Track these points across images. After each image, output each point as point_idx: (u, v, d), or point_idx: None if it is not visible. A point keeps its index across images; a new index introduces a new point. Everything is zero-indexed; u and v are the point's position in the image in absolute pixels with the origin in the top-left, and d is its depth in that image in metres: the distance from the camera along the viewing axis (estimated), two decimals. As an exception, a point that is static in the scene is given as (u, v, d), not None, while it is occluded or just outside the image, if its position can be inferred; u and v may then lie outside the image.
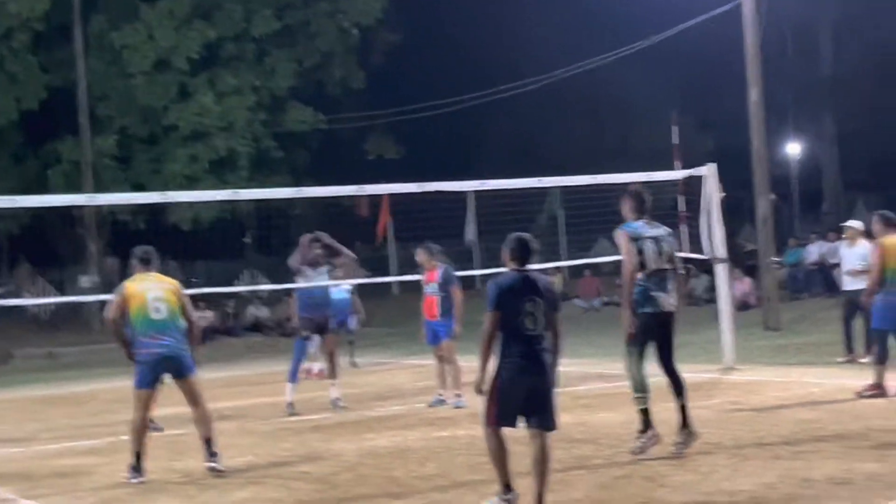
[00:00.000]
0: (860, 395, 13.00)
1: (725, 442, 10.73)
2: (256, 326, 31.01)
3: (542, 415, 8.23)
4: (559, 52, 34.38)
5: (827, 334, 19.69)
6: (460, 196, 31.03)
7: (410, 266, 31.66)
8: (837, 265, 20.31)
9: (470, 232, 35.64)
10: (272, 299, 31.93)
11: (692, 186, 18.77)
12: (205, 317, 16.27)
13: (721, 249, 17.20)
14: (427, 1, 37.63)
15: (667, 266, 10.23)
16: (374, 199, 34.03)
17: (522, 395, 8.18)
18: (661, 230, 10.38)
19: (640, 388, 10.34)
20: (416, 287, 16.95)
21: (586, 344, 22.65)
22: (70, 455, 12.68)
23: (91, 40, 33.45)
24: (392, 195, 30.05)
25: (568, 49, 33.71)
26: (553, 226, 36.82)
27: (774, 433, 11.01)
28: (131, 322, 10.79)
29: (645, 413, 10.31)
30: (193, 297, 14.87)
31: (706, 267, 24.99)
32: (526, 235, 8.54)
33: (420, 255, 15.02)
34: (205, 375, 15.36)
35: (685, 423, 10.39)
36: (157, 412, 13.78)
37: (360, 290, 20.29)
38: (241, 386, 19.73)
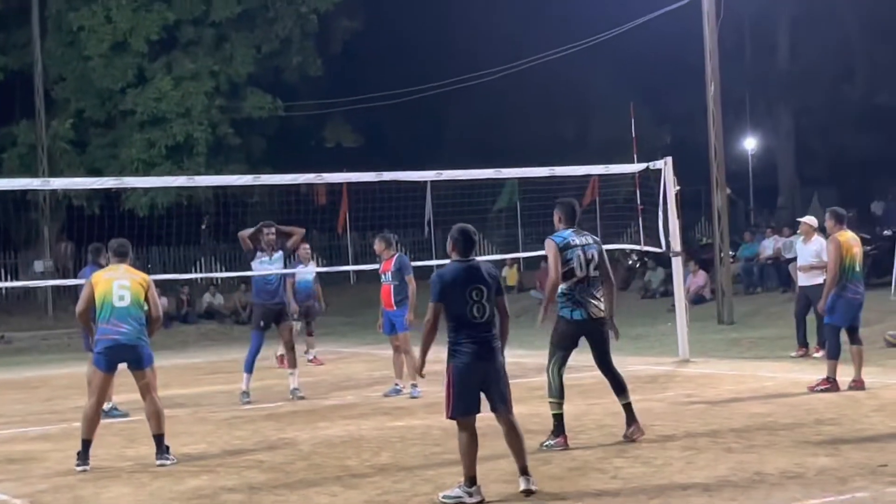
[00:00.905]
0: (812, 390, 13.12)
1: (679, 434, 10.80)
2: (211, 314, 30.87)
3: (501, 394, 8.49)
4: (519, 43, 34.42)
5: (780, 329, 19.85)
6: (418, 185, 30.96)
7: (367, 255, 31.63)
8: (792, 260, 20.44)
9: (426, 221, 35.61)
10: (227, 287, 31.79)
11: (649, 180, 18.83)
12: (160, 304, 16.11)
13: (676, 243, 17.29)
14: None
15: (594, 274, 10.40)
16: (333, 188, 33.90)
17: (478, 381, 8.41)
18: (589, 238, 10.57)
19: (557, 393, 10.54)
20: (372, 277, 16.95)
21: (542, 335, 22.71)
22: (21, 441, 12.58)
23: (48, 22, 33.11)
24: (350, 184, 29.98)
25: (528, 40, 33.75)
26: (511, 217, 36.86)
27: (727, 426, 11.08)
28: (96, 308, 10.70)
29: (558, 418, 10.49)
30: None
31: (662, 260, 25.17)
32: (468, 226, 8.70)
33: (377, 245, 15.00)
34: (159, 362, 15.31)
35: (631, 419, 10.62)
36: (118, 398, 13.75)
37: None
38: (196, 373, 19.64)
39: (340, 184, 30.15)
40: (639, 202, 19.78)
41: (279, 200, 33.85)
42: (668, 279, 23.08)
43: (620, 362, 17.28)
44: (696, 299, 25.60)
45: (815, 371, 14.00)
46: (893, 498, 8.03)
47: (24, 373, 20.99)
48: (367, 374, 17.69)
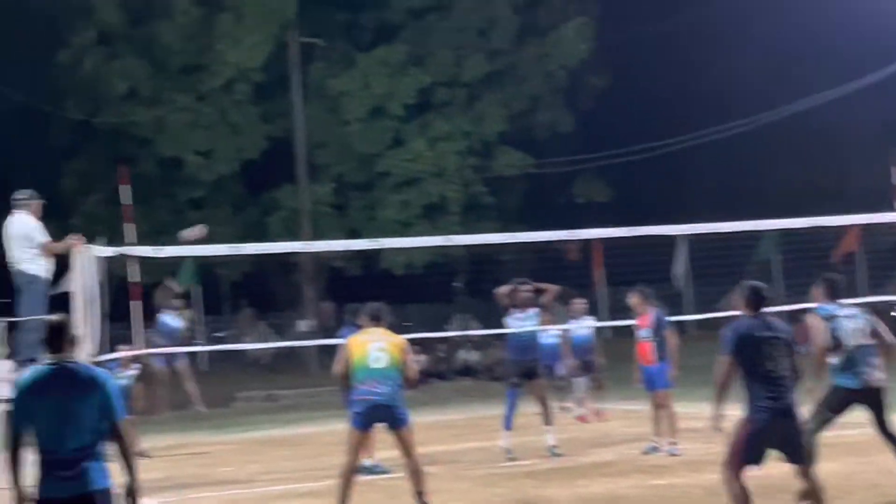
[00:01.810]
0: None
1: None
2: (466, 370, 31.24)
3: (798, 451, 8.55)
4: (772, 90, 33.78)
5: None
6: (669, 240, 30.64)
7: (621, 310, 31.43)
8: None
9: (680, 274, 35.14)
10: (482, 343, 32.12)
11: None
12: (418, 360, 16.50)
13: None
14: (633, 42, 37.42)
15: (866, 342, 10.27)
16: (585, 244, 33.91)
17: (775, 438, 8.45)
18: (854, 310, 10.55)
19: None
20: (626, 331, 16.84)
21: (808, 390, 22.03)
22: (291, 497, 12.99)
23: (308, 89, 34.40)
24: (602, 240, 29.91)
25: (781, 88, 33.11)
26: (767, 270, 36.02)
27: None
28: (352, 370, 11.02)
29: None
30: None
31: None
32: (759, 283, 8.94)
33: (633, 299, 14.92)
34: (416, 419, 15.59)
35: None
36: (381, 454, 14.10)
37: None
38: (453, 430, 19.86)
39: (592, 240, 30.14)
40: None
41: (531, 258, 34.07)
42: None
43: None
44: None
45: None
46: None
47: (290, 430, 21.67)
48: (624, 431, 17.53)
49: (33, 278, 11.95)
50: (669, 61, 37.96)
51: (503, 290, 15.48)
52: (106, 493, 6.70)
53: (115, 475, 6.86)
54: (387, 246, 27.83)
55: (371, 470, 13.49)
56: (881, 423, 10.34)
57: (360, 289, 31.64)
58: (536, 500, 11.56)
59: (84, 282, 11.42)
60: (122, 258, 14.02)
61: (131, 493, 6.89)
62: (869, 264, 31.59)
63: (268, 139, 33.99)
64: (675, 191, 39.80)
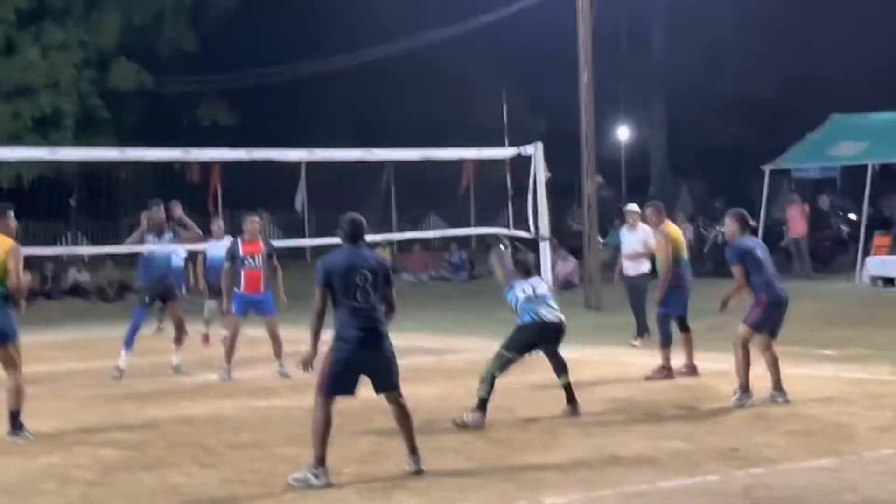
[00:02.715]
0: (648, 378, 13.31)
1: (539, 417, 10.90)
2: (77, 290, 30.24)
3: (387, 378, 8.66)
4: (397, 25, 34.37)
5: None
6: (294, 166, 30.75)
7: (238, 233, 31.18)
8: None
9: (299, 202, 35.42)
10: (94, 263, 31.18)
11: (521, 165, 18.97)
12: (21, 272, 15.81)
13: (545, 228, 17.43)
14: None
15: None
16: (206, 166, 33.45)
17: (361, 365, 8.55)
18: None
19: (487, 387, 10.89)
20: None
21: (411, 318, 22.70)
22: None
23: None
24: (223, 163, 29.61)
25: (406, 22, 33.73)
26: (385, 200, 36.86)
27: (587, 409, 11.20)
28: None
29: (483, 403, 10.76)
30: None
31: (532, 245, 25.38)
32: (357, 216, 8.95)
33: (252, 225, 14.87)
34: (21, 339, 14.97)
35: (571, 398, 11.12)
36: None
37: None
38: (57, 350, 19.23)
39: (213, 162, 29.76)
40: (510, 188, 19.88)
41: (150, 177, 33.28)
42: (538, 265, 23.25)
43: (489, 345, 17.47)
44: (565, 285, 25.88)
45: (678, 358, 14.20)
46: (742, 481, 8.21)
47: None
48: (239, 356, 17.42)
49: None
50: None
51: (144, 213, 15.24)
52: None
53: None
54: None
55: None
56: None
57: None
58: (135, 422, 11.35)
59: None
60: None
61: None
62: (480, 199, 32.84)
63: None
64: (301, 118, 39.87)
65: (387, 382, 8.67)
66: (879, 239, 26.08)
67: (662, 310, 13.70)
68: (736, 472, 8.48)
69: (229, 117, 39.03)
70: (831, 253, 29.66)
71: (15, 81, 31.76)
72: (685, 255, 13.81)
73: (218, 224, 18.50)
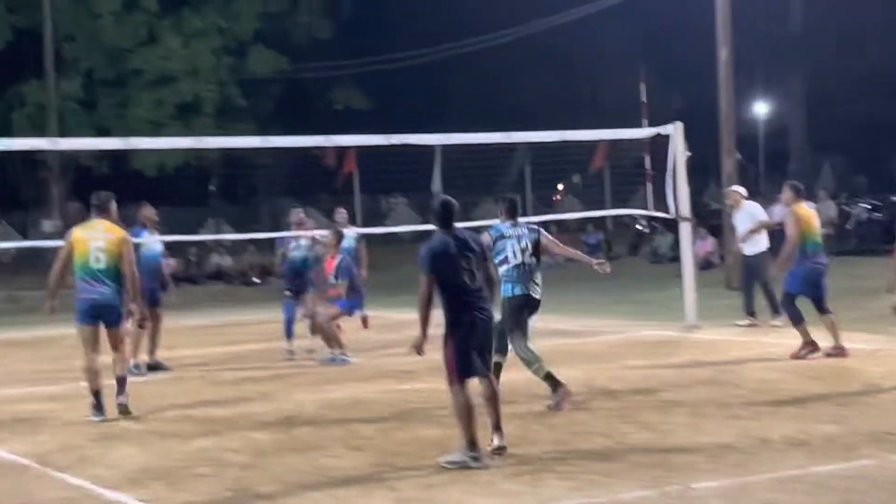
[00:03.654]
0: (797, 357, 13.10)
1: (685, 401, 10.79)
2: (219, 275, 30.89)
3: (486, 359, 8.75)
4: (531, 5, 34.21)
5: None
6: (428, 149, 30.90)
7: (376, 218, 31.54)
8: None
9: (436, 184, 35.54)
10: (236, 248, 31.79)
11: (658, 144, 18.76)
12: (168, 264, 16.25)
13: (685, 208, 17.23)
14: (398, -50, 37.35)
15: (529, 261, 10.73)
16: (342, 150, 33.83)
17: (477, 346, 8.60)
18: (523, 230, 10.92)
19: (533, 359, 10.65)
20: (380, 240, 16.91)
21: (549, 300, 22.65)
22: (31, 400, 12.63)
23: (59, -21, 32.97)
24: (359, 147, 29.90)
25: (539, 3, 33.54)
26: (520, 181, 36.81)
27: (734, 393, 11.07)
28: (74, 267, 11.06)
29: (549, 377, 10.61)
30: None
31: (671, 225, 25.13)
32: (448, 198, 8.94)
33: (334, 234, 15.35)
34: (167, 323, 15.39)
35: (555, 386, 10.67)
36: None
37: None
38: (203, 334, 19.66)
39: (349, 146, 30.06)
40: (649, 167, 19.69)
41: (288, 163, 33.83)
42: (677, 244, 23.04)
43: (628, 326, 17.35)
44: (704, 265, 25.57)
45: (819, 338, 13.95)
46: (898, 466, 8.03)
47: (33, 332, 21.01)
48: (376, 337, 17.56)
49: None
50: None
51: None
52: None
53: None
54: (136, 147, 27.02)
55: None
56: None
57: (109, 189, 30.77)
58: (284, 406, 11.55)
59: None
60: None
61: None
62: (616, 179, 32.59)
63: (13, 30, 32.42)
64: (434, 102, 40.10)
65: (486, 361, 8.77)
66: None
67: (787, 288, 13.51)
68: (892, 456, 8.29)
69: (363, 101, 39.44)
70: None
71: (156, 70, 32.44)
72: (817, 238, 13.55)
73: (341, 214, 18.46)
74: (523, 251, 10.72)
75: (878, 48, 39.11)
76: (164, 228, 32.20)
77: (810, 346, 13.20)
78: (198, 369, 14.57)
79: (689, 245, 17.82)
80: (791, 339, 14.12)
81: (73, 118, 32.56)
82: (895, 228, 23.01)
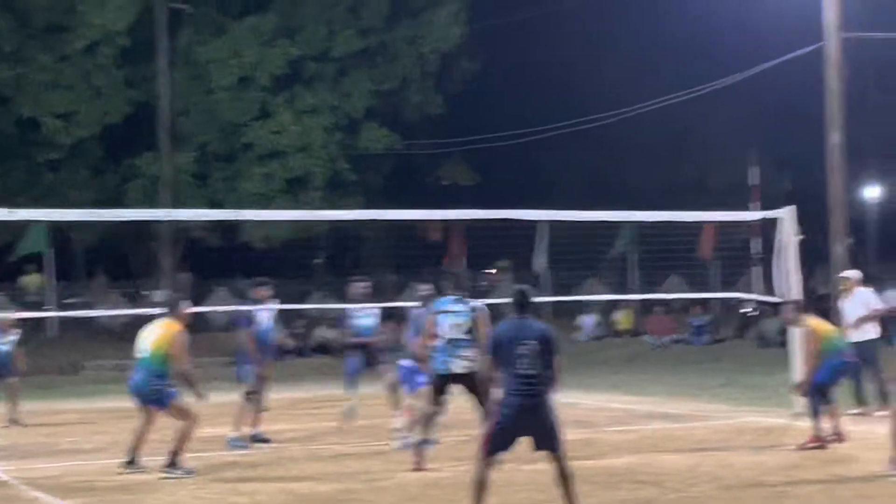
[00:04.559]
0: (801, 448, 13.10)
1: (795, 492, 10.55)
2: (324, 348, 31.09)
3: (547, 440, 9.05)
4: (638, 85, 34.24)
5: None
6: (532, 225, 30.97)
7: (479, 293, 31.51)
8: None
9: (540, 261, 35.57)
10: (340, 320, 31.95)
11: (766, 227, 18.58)
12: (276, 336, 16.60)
13: (796, 293, 16.97)
14: (506, 30, 37.62)
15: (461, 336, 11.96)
16: (445, 225, 34.05)
17: (519, 429, 9.04)
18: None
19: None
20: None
21: (654, 381, 22.46)
22: (135, 469, 12.75)
23: (176, 55, 33.77)
24: (465, 222, 30.09)
25: (647, 83, 33.56)
26: (624, 260, 36.64)
27: (844, 485, 10.80)
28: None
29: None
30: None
31: (779, 309, 24.75)
32: (526, 287, 9.59)
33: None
34: (273, 395, 15.52)
35: None
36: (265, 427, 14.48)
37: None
38: (306, 407, 19.77)
39: (454, 221, 30.30)
40: (758, 250, 19.49)
41: (394, 236, 34.12)
42: (785, 329, 22.68)
43: (734, 412, 17.06)
44: (812, 350, 25.05)
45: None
46: None
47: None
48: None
49: None
50: (542, 51, 38.24)
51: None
52: None
53: None
54: (252, 218, 27.52)
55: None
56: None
57: (218, 260, 31.36)
58: (387, 484, 11.53)
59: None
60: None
61: None
62: (723, 261, 32.30)
63: (131, 104, 33.26)
64: (540, 179, 40.20)
65: (546, 443, 9.05)
66: None
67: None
68: None
69: (469, 177, 39.70)
70: None
71: (268, 145, 33.01)
72: (835, 339, 13.73)
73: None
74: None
75: None
76: (279, 300, 32.59)
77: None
78: (300, 444, 14.63)
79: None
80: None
81: (186, 191, 33.18)
82: None
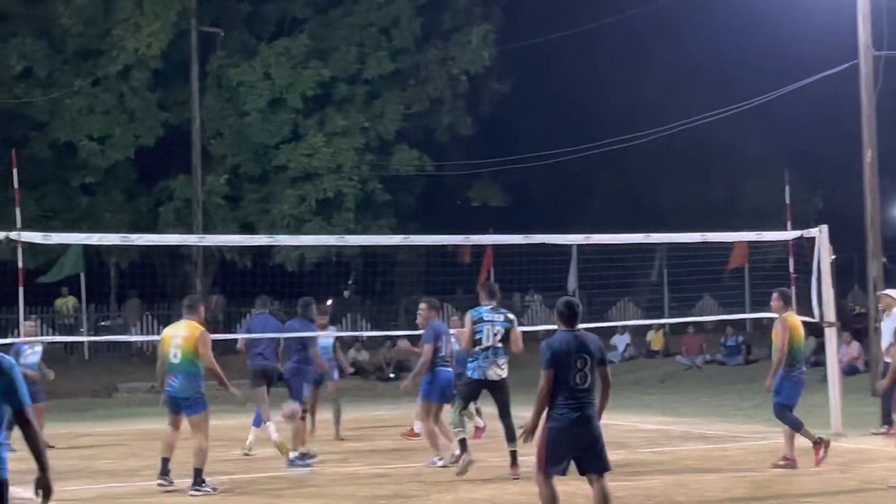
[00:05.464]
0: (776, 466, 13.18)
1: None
2: (356, 370, 31.09)
3: (594, 460, 8.97)
4: (669, 106, 34.19)
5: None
6: (565, 248, 30.91)
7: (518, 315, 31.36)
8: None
9: (572, 283, 35.50)
10: (372, 343, 32.03)
11: (802, 248, 18.49)
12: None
13: (831, 312, 16.87)
14: (536, 51, 37.63)
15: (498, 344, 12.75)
16: (478, 247, 34.03)
17: (572, 444, 8.90)
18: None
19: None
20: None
21: (688, 402, 22.36)
22: (171, 493, 12.77)
23: (208, 78, 33.97)
24: (497, 245, 30.07)
25: (679, 103, 33.52)
26: (657, 281, 36.52)
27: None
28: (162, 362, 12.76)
29: (462, 442, 13.00)
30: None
31: (814, 329, 24.62)
32: (573, 299, 9.51)
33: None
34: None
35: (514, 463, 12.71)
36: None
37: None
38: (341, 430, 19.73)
39: (488, 244, 30.27)
40: (792, 270, 19.39)
41: (425, 259, 34.15)
42: (820, 349, 22.54)
43: (770, 433, 16.95)
44: (849, 370, 24.92)
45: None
46: None
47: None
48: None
49: None
50: (572, 71, 38.23)
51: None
52: (2, 485, 6.45)
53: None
54: (284, 243, 27.62)
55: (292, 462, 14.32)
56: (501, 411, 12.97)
57: (250, 282, 31.41)
58: (422, 503, 11.52)
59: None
60: (11, 243, 14.15)
61: (43, 485, 6.60)
62: (756, 281, 32.13)
63: (164, 127, 33.47)
64: (570, 200, 40.13)
65: (594, 465, 8.96)
66: None
67: (777, 400, 13.70)
68: None
69: (500, 198, 39.68)
70: None
71: (300, 167, 33.13)
72: (803, 346, 13.80)
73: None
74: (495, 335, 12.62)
75: None
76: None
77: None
78: (333, 466, 14.62)
79: (835, 350, 17.42)
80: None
81: (218, 213, 33.33)
82: None
